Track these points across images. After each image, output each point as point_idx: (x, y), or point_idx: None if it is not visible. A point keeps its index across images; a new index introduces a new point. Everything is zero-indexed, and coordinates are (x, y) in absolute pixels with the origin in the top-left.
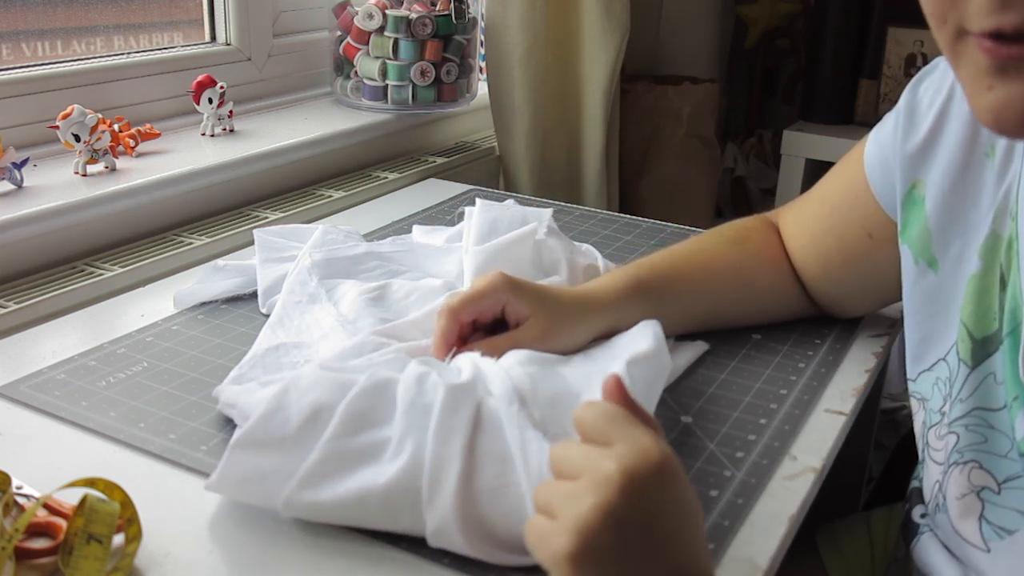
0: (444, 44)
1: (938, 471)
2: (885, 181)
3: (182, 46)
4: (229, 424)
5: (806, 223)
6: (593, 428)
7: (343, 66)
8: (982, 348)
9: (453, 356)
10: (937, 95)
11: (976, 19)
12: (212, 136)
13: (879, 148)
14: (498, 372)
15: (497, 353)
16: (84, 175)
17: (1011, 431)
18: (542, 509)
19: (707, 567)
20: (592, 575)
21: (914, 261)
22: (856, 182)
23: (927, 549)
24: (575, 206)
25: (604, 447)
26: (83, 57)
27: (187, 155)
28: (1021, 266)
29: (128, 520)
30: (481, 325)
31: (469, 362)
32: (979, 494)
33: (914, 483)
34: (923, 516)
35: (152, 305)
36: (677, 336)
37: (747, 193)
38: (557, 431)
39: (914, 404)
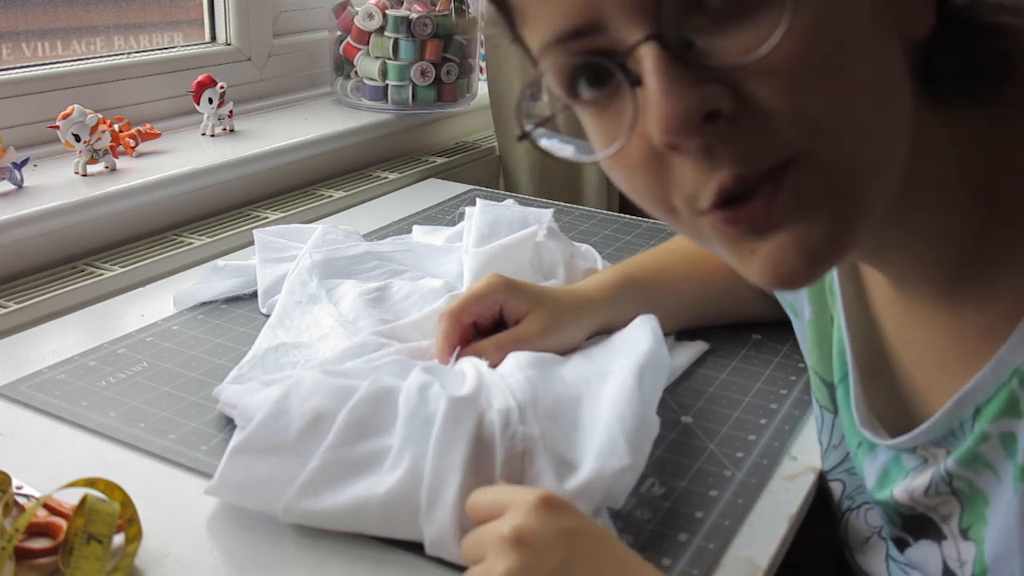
0: (444, 44)
1: (835, 517)
2: None
3: (182, 46)
4: (229, 424)
5: None
6: (485, 508)
7: (343, 66)
8: (835, 393)
9: (456, 359)
10: None
11: (701, 193)
12: (212, 136)
13: None
14: (498, 382)
15: (501, 351)
16: (84, 175)
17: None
18: None
19: (645, 568)
20: None
21: (784, 305)
22: None
23: None
24: (575, 206)
25: (498, 519)
26: (83, 57)
27: (187, 155)
28: (840, 310)
29: (128, 520)
30: (482, 327)
31: (472, 368)
32: (880, 534)
33: None
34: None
35: (152, 305)
36: (677, 335)
37: None
38: (557, 446)
39: None
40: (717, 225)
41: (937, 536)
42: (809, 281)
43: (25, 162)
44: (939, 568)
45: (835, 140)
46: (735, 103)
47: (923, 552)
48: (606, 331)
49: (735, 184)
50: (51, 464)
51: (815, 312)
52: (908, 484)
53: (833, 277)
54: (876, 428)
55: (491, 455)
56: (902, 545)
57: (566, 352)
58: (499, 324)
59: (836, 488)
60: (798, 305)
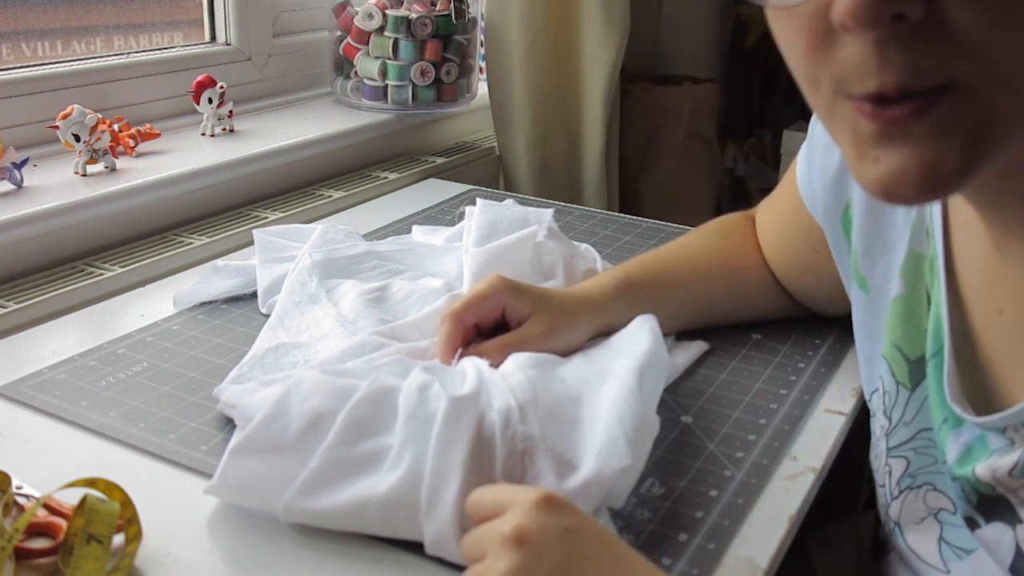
0: (444, 44)
1: (888, 495)
2: (815, 201)
3: (182, 46)
4: (229, 424)
5: (770, 227)
6: (485, 507)
7: (343, 66)
8: (918, 369)
9: (458, 360)
10: None
11: (855, 81)
12: (212, 136)
13: (808, 171)
14: (498, 382)
15: (504, 353)
16: (84, 175)
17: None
18: None
19: (646, 566)
20: None
21: (849, 281)
22: (796, 198)
23: (892, 566)
24: (575, 206)
25: (499, 519)
26: (83, 57)
27: (187, 155)
28: (942, 286)
29: (128, 520)
30: (483, 329)
31: (473, 368)
32: (936, 516)
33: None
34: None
35: (152, 305)
36: (677, 335)
37: (747, 193)
38: (557, 446)
39: (873, 422)
40: (855, 116)
41: (1012, 519)
42: (915, 203)
43: (25, 162)
44: (1011, 550)
45: (1003, 80)
46: (925, 13)
47: (995, 534)
48: (607, 333)
49: (896, 91)
50: (51, 464)
51: (908, 288)
52: (992, 463)
53: (936, 254)
54: (964, 405)
55: (491, 455)
56: (972, 525)
57: (567, 353)
58: (500, 325)
59: (897, 466)
60: (876, 281)
